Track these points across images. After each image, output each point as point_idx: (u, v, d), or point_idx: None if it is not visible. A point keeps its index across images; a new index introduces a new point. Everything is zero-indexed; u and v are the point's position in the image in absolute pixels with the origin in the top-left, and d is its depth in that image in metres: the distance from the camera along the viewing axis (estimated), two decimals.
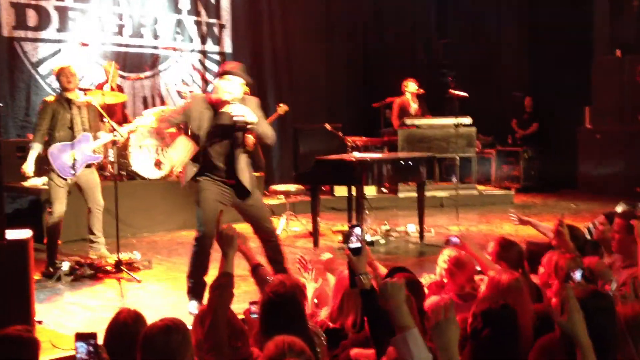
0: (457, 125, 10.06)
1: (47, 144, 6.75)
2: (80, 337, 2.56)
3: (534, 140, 12.97)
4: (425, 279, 4.52)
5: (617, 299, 3.51)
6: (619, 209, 5.27)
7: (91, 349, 2.52)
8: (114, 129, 6.89)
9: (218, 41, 12.35)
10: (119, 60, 10.92)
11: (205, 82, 12.19)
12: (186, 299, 5.45)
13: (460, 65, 12.07)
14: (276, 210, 9.53)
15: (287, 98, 11.46)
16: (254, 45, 12.61)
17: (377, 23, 14.20)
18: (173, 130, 6.53)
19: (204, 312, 3.22)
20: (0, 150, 3.58)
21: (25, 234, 4.58)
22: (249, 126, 5.37)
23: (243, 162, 5.47)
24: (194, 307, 5.33)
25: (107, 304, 5.68)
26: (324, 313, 4.11)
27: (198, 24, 12.08)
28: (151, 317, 3.13)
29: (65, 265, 6.53)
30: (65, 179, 6.71)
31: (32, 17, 10.09)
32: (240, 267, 3.98)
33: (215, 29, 12.33)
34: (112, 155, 8.27)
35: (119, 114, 9.56)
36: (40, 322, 4.86)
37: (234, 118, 5.29)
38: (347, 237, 3.07)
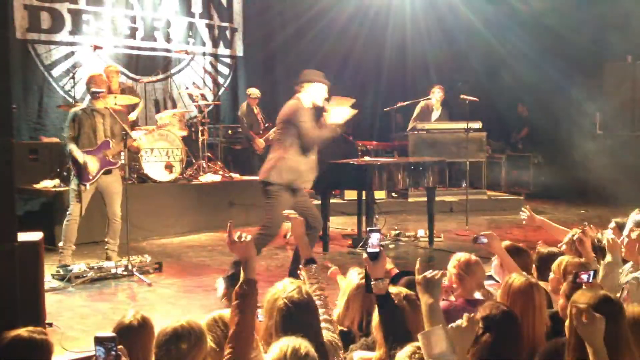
0: (467, 130, 10.03)
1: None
2: (100, 340, 2.48)
3: (543, 145, 12.96)
4: None
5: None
6: (638, 217, 5.12)
7: (112, 352, 2.45)
8: (127, 133, 6.92)
9: (230, 44, 12.40)
10: (132, 63, 10.98)
11: (217, 85, 12.23)
12: (196, 302, 5.50)
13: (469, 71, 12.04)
14: None
15: None
16: (265, 49, 12.64)
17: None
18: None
19: (224, 317, 3.16)
20: (12, 153, 3.57)
21: (36, 236, 4.62)
22: None
23: None
24: (221, 285, 5.61)
25: (117, 307, 5.68)
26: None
27: (210, 27, 12.14)
28: (161, 321, 3.14)
29: (76, 268, 6.57)
30: (84, 185, 6.78)
31: (45, 20, 10.16)
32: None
33: (227, 33, 12.40)
34: (123, 158, 8.26)
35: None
36: (50, 325, 4.88)
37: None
38: (365, 241, 3.07)
